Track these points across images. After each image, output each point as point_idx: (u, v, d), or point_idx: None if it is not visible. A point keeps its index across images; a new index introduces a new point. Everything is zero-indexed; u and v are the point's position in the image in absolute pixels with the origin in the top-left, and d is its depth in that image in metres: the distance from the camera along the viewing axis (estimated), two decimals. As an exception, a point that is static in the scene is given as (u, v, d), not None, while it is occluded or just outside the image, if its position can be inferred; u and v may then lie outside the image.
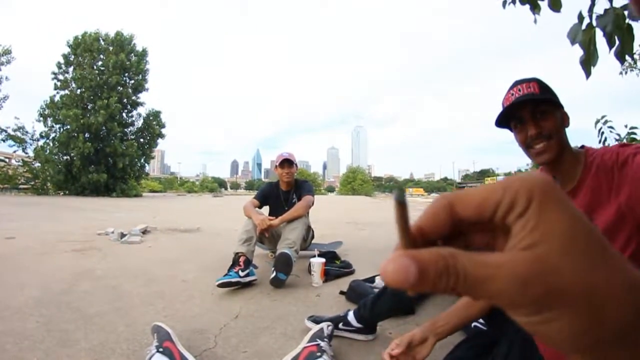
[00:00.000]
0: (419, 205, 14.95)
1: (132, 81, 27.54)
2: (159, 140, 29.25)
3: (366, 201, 21.96)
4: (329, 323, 1.73)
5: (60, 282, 2.77)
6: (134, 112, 28.37)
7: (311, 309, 2.24)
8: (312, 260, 2.75)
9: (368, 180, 68.32)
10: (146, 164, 28.97)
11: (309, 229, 3.42)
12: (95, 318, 2.07)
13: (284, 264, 2.64)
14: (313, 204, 3.30)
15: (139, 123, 28.59)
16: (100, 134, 25.38)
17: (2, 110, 24.01)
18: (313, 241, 3.70)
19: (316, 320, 1.89)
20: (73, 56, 26.27)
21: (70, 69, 26.19)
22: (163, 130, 28.99)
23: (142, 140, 28.05)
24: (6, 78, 23.97)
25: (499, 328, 1.26)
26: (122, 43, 26.66)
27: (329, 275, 2.86)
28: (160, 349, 1.44)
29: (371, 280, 2.60)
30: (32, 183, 23.98)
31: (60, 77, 26.20)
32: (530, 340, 1.13)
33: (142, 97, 28.40)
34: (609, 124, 3.32)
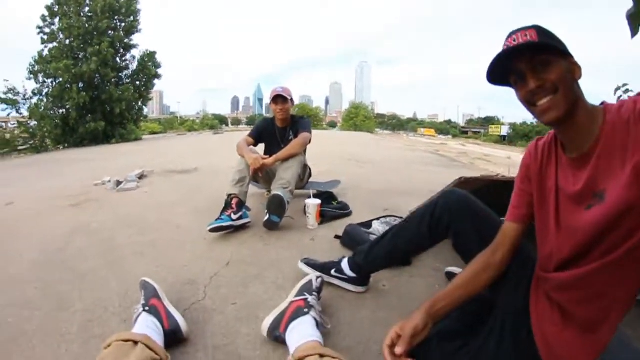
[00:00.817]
0: (421, 146, 14.66)
1: (124, 24, 26.14)
2: (156, 81, 28.42)
3: (368, 138, 21.63)
4: (319, 274, 1.65)
5: (56, 242, 2.71)
6: (128, 56, 27.19)
7: (305, 253, 2.16)
8: (307, 201, 2.64)
9: (371, 117, 67.10)
10: (144, 107, 28.46)
11: (305, 168, 3.28)
12: (88, 275, 2.08)
13: (277, 206, 2.54)
14: (310, 141, 3.12)
15: (134, 66, 27.56)
16: (94, 82, 24.60)
17: None
18: (310, 179, 3.58)
19: (309, 263, 1.85)
20: (57, 6, 24.75)
21: (57, 20, 24.82)
22: (159, 71, 28.01)
23: (138, 83, 27.24)
24: None
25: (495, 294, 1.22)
26: None
27: (324, 217, 2.75)
28: (147, 308, 1.41)
29: (368, 224, 2.47)
30: (31, 142, 23.73)
31: (47, 29, 24.88)
32: (524, 315, 1.09)
33: (135, 39, 27.01)
34: (630, 93, 2.72)
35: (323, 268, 1.80)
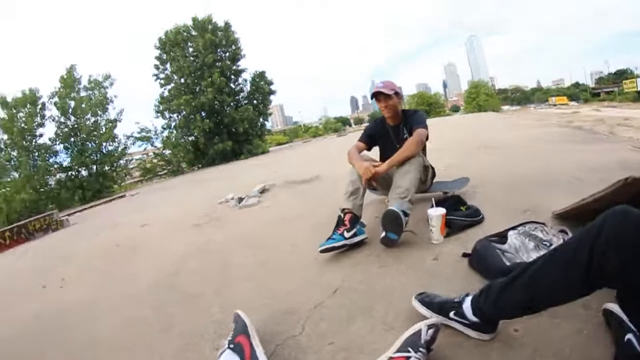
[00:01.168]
0: (552, 118, 12.76)
1: (227, 53, 29.17)
2: (272, 97, 30.91)
3: (493, 117, 19.66)
4: (432, 322, 1.26)
5: (174, 263, 2.92)
6: (240, 80, 30.23)
7: (424, 278, 1.76)
8: (430, 212, 2.16)
9: (492, 94, 61.06)
10: (265, 122, 31.12)
11: (426, 169, 2.77)
12: (194, 299, 2.17)
13: (391, 222, 2.16)
14: (427, 137, 2.67)
15: (247, 87, 30.38)
16: (214, 108, 28.00)
17: (122, 122, 28.14)
18: (435, 179, 3.09)
19: (424, 301, 1.45)
20: (165, 55, 28.79)
21: (167, 65, 28.88)
22: (272, 87, 30.47)
23: (255, 102, 29.95)
24: (115, 97, 27.65)
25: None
26: (202, 25, 28.35)
27: (451, 227, 2.26)
28: (232, 345, 1.37)
29: (502, 237, 1.88)
30: (168, 168, 28.18)
31: (162, 75, 29.25)
32: None
33: (242, 63, 29.98)
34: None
35: (440, 308, 1.39)
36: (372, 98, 2.84)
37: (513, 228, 1.88)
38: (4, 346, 2.25)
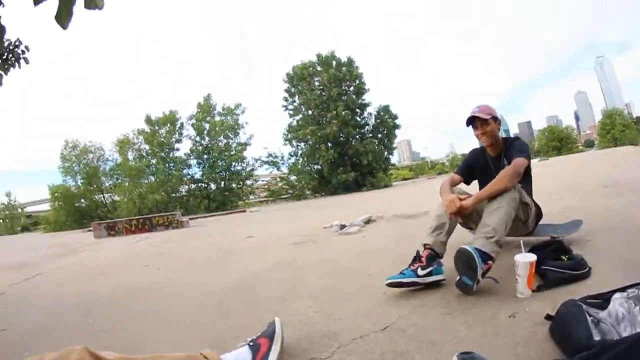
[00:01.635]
0: None
1: (351, 87, 30.34)
2: (397, 132, 31.06)
3: (628, 152, 16.41)
4: None
5: (260, 271, 3.26)
6: (365, 113, 31.11)
7: (488, 337, 1.41)
8: (517, 258, 1.74)
9: (630, 124, 51.26)
10: (390, 156, 31.35)
11: (526, 207, 2.34)
12: (257, 302, 2.36)
13: (464, 264, 1.86)
14: (529, 166, 2.33)
15: (372, 121, 31.07)
16: (339, 140, 29.14)
17: (251, 146, 31.40)
18: (543, 221, 2.62)
19: None
20: (293, 88, 31.31)
21: (296, 98, 31.24)
22: (397, 122, 30.60)
23: (379, 135, 30.36)
24: (246, 123, 31.05)
25: None
26: (326, 61, 30.13)
27: (545, 280, 1.80)
28: (251, 343, 1.40)
29: (603, 302, 1.36)
30: (291, 192, 30.38)
31: (290, 106, 31.79)
32: None
33: (367, 97, 31.04)
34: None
35: None
36: (467, 125, 2.50)
37: (622, 289, 1.40)
38: (108, 300, 3.00)
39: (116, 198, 30.32)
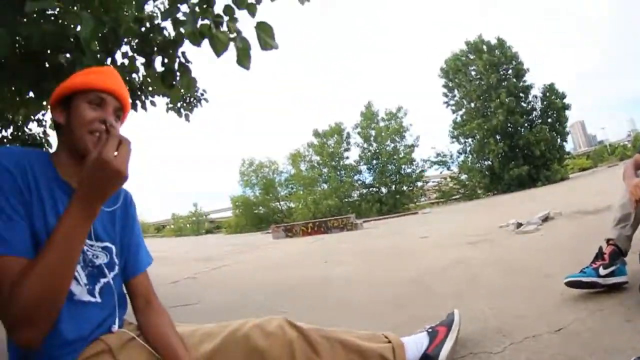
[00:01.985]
0: None
1: (509, 71, 27.20)
2: (568, 113, 26.75)
3: None
4: None
5: (436, 268, 3.38)
6: (529, 97, 27.55)
7: None
8: None
9: None
10: (564, 143, 27.14)
11: None
12: (435, 298, 2.46)
13: None
14: None
15: (539, 105, 27.39)
16: (507, 131, 26.45)
17: (418, 147, 30.80)
18: None
19: None
20: (450, 82, 29.61)
21: (455, 92, 29.52)
22: (565, 101, 26.38)
23: (549, 120, 26.61)
24: (410, 125, 31.04)
25: None
26: (476, 47, 27.39)
27: None
28: (430, 330, 1.47)
29: None
30: (463, 192, 28.86)
31: (451, 102, 30.15)
32: None
33: (528, 78, 27.31)
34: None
35: None
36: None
37: None
38: (288, 287, 3.43)
39: (291, 205, 33.68)
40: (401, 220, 17.28)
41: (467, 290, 2.50)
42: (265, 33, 1.77)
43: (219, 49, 1.84)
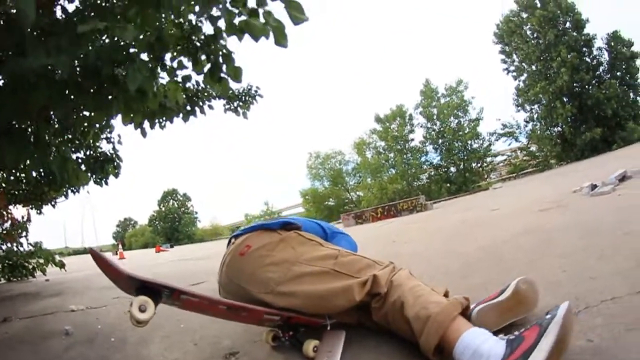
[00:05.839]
0: None
1: (567, 23, 23.97)
2: (638, 62, 23.28)
3: None
4: None
5: (507, 236, 3.24)
6: (593, 50, 24.29)
7: None
8: None
9: None
10: (637, 97, 23.77)
11: None
12: (503, 263, 2.40)
13: None
14: None
15: (605, 57, 24.11)
16: (574, 91, 23.58)
17: (483, 120, 29.25)
18: None
19: None
20: (506, 47, 26.96)
21: (514, 56, 26.84)
22: (634, 49, 22.93)
23: (618, 73, 23.39)
24: (472, 98, 29.68)
25: None
26: (530, 3, 24.40)
27: None
28: (512, 337, 1.13)
29: None
30: (534, 164, 26.62)
31: (511, 67, 27.45)
32: None
33: (589, 29, 23.96)
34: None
35: None
36: None
37: None
38: None
39: (360, 193, 33.45)
40: (472, 197, 16.56)
41: (539, 255, 2.33)
42: (295, 10, 1.76)
43: (256, 34, 1.85)
